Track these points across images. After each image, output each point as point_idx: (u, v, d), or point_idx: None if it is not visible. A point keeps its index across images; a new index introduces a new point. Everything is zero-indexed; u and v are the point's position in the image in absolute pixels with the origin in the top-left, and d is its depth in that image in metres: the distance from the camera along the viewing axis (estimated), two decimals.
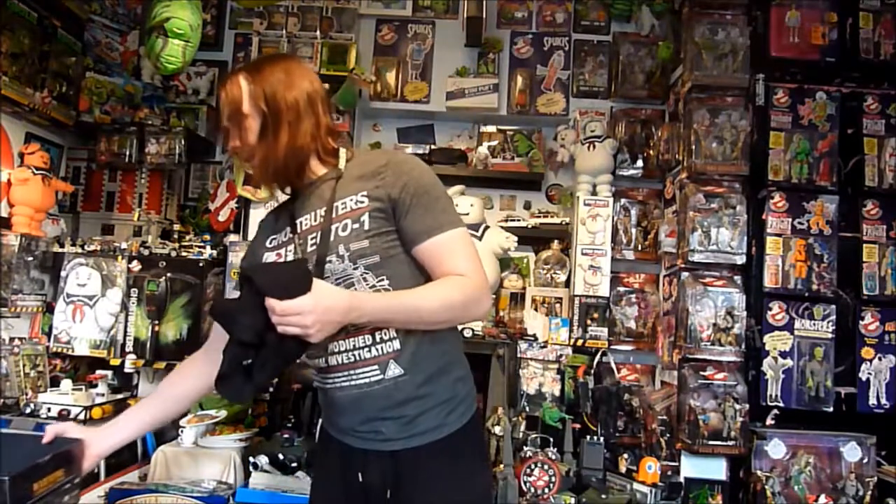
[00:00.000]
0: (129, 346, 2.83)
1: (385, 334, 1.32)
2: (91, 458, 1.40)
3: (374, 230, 1.30)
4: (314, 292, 1.15)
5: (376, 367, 1.32)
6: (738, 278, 2.51)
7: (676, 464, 2.48)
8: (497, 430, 2.44)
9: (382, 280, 1.31)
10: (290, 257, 1.37)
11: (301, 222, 1.39)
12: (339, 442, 1.41)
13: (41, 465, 1.23)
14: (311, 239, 1.35)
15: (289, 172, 1.37)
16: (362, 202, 1.32)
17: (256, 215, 3.14)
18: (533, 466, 2.33)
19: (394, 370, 1.32)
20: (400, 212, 1.32)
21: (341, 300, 1.19)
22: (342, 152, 1.41)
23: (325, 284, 1.20)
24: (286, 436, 2.49)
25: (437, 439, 1.33)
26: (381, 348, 1.32)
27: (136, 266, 2.86)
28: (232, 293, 2.82)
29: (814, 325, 2.49)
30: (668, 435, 2.55)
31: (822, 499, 2.34)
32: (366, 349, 1.32)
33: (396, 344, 1.32)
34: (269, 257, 1.42)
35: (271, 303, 1.12)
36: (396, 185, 1.31)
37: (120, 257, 2.88)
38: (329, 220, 1.33)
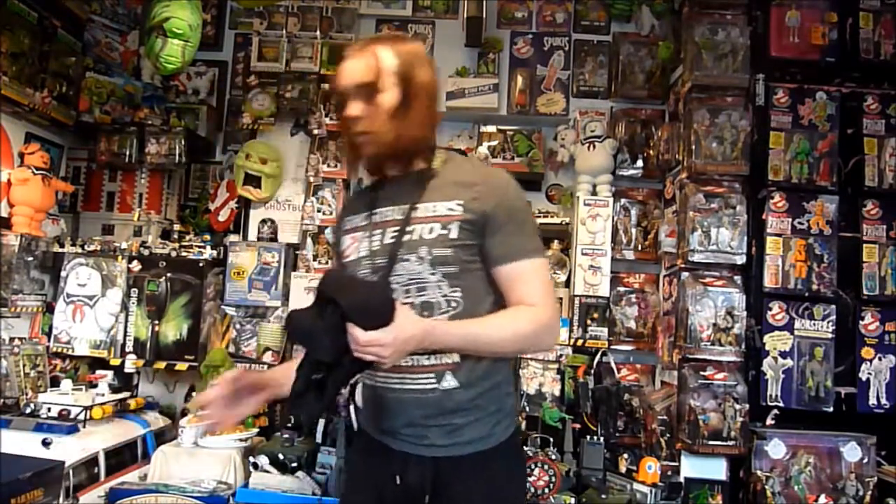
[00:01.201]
0: (129, 346, 2.84)
1: None
2: (270, 391, 1.37)
3: (459, 241, 1.30)
4: (396, 324, 1.15)
5: (433, 375, 1.31)
6: (738, 278, 2.50)
7: (676, 464, 2.48)
8: None
9: (456, 291, 1.31)
10: (364, 245, 1.37)
11: (382, 212, 1.38)
12: (378, 443, 1.39)
13: (20, 481, 1.21)
14: (391, 232, 1.34)
15: (405, 155, 1.36)
16: (455, 210, 1.31)
17: (256, 215, 3.14)
18: (533, 466, 2.33)
19: (449, 382, 1.31)
20: (489, 230, 1.31)
21: (418, 330, 1.19)
22: (439, 152, 1.41)
23: (406, 313, 1.19)
24: (286, 436, 2.50)
25: (482, 450, 1.33)
26: (440, 357, 1.31)
27: (136, 266, 2.86)
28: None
29: (814, 325, 2.49)
30: (668, 435, 2.55)
31: (822, 499, 2.34)
32: (425, 356, 1.31)
33: (456, 356, 1.31)
34: (346, 242, 1.42)
35: (355, 332, 1.13)
36: (490, 202, 1.31)
37: (120, 257, 2.88)
38: (410, 218, 1.32)
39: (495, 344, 1.29)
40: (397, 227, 1.33)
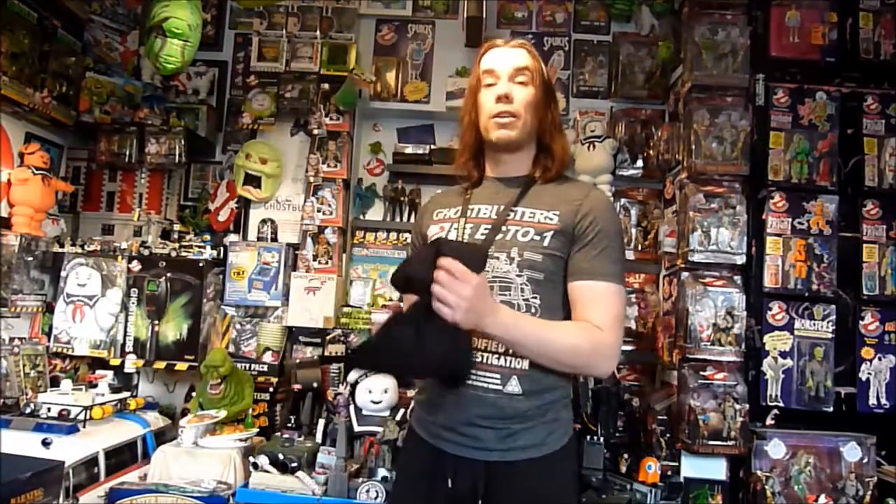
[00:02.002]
0: (129, 346, 2.84)
1: None
2: None
3: (550, 250, 1.33)
4: (482, 276, 1.18)
5: (499, 377, 1.32)
6: (738, 278, 2.50)
7: (676, 464, 2.47)
8: None
9: (536, 297, 1.33)
10: (452, 235, 1.40)
11: (477, 208, 1.42)
12: (429, 445, 1.39)
13: (20, 481, 1.20)
14: (483, 228, 1.37)
15: (528, 149, 1.44)
16: (551, 220, 1.35)
17: (256, 215, 3.15)
18: None
19: (514, 387, 1.32)
20: (576, 243, 1.34)
21: (491, 301, 1.22)
22: (545, 163, 1.45)
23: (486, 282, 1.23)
24: (286, 436, 2.49)
25: (535, 457, 1.33)
26: (510, 361, 1.32)
27: (136, 266, 2.87)
28: None
29: (814, 325, 2.49)
30: (668, 435, 2.55)
31: (822, 499, 2.34)
32: (496, 356, 1.32)
33: (525, 363, 1.32)
34: (433, 229, 1.46)
35: (444, 260, 1.15)
36: (586, 217, 1.34)
37: (120, 257, 2.88)
38: (506, 219, 1.36)
39: (553, 348, 1.28)
40: (490, 225, 1.36)
